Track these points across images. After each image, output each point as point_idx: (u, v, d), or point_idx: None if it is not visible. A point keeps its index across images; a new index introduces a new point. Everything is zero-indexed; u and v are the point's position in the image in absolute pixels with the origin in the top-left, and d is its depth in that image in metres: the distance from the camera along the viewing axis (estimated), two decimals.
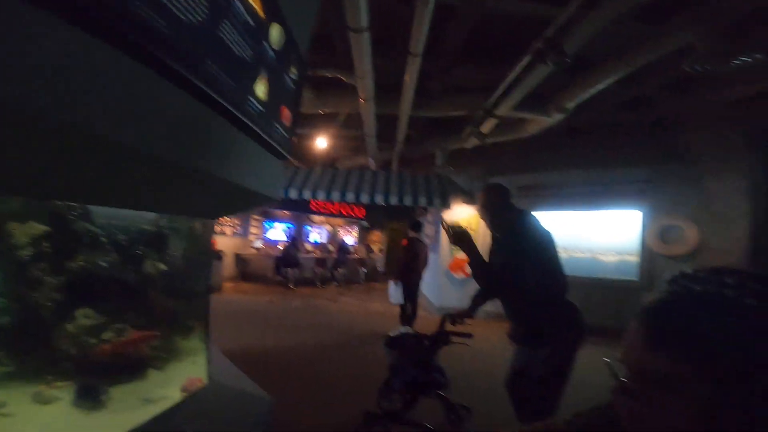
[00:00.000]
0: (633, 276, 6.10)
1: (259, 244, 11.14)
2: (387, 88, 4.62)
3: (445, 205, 7.44)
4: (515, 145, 6.48)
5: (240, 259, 10.60)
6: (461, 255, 7.85)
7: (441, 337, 2.36)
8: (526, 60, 3.39)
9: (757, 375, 0.48)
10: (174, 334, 2.55)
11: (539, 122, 5.23)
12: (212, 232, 2.86)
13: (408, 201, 7.45)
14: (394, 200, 7.47)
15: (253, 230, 11.40)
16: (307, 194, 7.67)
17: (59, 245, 2.13)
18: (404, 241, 5.76)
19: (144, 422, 1.83)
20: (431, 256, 6.90)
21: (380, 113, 4.93)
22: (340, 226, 14.47)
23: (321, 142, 6.99)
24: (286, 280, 10.19)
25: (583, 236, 6.71)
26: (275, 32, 1.65)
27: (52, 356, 2.00)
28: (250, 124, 1.58)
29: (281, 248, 10.76)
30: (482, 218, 2.21)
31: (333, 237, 14.02)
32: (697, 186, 5.37)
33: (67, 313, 2.07)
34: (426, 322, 2.63)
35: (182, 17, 1.07)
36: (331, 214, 13.09)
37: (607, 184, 6.30)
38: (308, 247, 12.24)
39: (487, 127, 5.17)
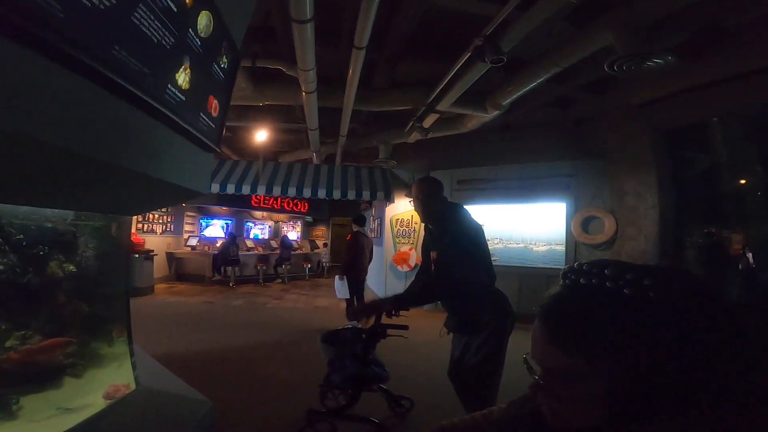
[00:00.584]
0: (561, 264, 6.65)
1: (194, 242, 10.49)
2: (331, 81, 4.55)
3: (389, 199, 7.54)
4: (455, 140, 6.73)
5: (173, 259, 9.90)
6: (404, 248, 8.08)
7: (377, 331, 2.34)
8: (465, 56, 3.51)
9: (640, 358, 0.50)
10: (91, 339, 2.39)
11: (477, 118, 5.46)
12: (129, 229, 2.70)
13: (352, 195, 7.45)
14: (337, 195, 7.42)
15: (187, 227, 10.70)
16: (246, 189, 7.37)
17: None
18: (348, 236, 5.76)
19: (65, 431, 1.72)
20: (376, 250, 6.98)
21: (323, 106, 4.85)
22: (284, 221, 14.08)
23: (261, 135, 6.71)
24: (226, 279, 9.73)
25: (516, 227, 7.16)
26: (203, 20, 1.59)
27: None
28: (169, 114, 1.50)
29: (219, 246, 10.22)
30: (416, 210, 2.27)
31: (276, 233, 13.60)
32: (614, 180, 5.96)
33: None
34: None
35: (85, 2, 1.00)
36: (274, 210, 12.70)
37: (537, 178, 6.76)
38: (249, 243, 11.76)
39: (428, 121, 5.30)
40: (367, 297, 6.07)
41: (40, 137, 1.01)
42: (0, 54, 0.85)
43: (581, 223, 6.29)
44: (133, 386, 2.33)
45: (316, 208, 13.49)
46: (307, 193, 7.39)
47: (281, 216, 13.81)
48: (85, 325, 2.39)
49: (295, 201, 12.76)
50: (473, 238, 2.09)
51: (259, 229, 13.08)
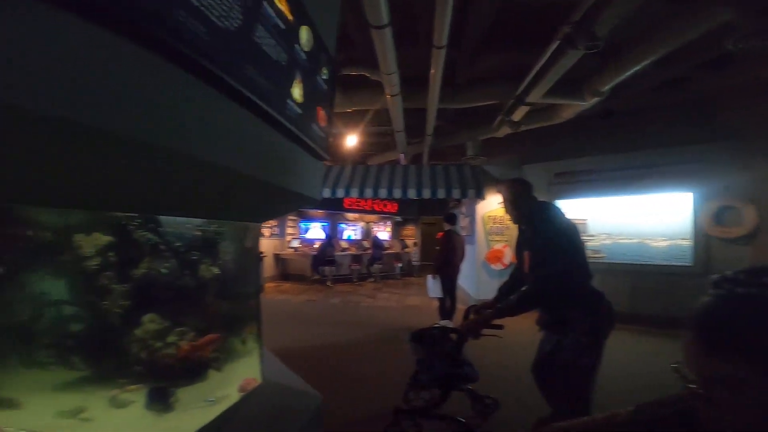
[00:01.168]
0: (687, 261, 5.73)
1: (296, 244, 11.43)
2: (413, 82, 4.57)
3: (479, 195, 7.32)
4: (550, 132, 6.26)
5: (279, 260, 10.93)
6: (498, 245, 7.74)
7: (470, 330, 2.25)
8: (554, 46, 3.25)
9: None
10: (230, 335, 2.64)
11: (574, 107, 5.04)
12: (259, 235, 2.90)
13: (441, 194, 7.39)
14: (427, 194, 7.43)
15: (289, 230, 11.72)
16: (340, 192, 7.78)
17: (123, 254, 2.29)
18: (439, 234, 5.72)
19: (208, 422, 1.92)
20: (468, 248, 6.83)
21: (408, 107, 4.90)
22: (374, 222, 14.57)
23: (351, 140, 7.04)
24: (323, 278, 10.41)
25: (629, 221, 6.36)
26: (304, 34, 1.66)
27: (125, 361, 2.09)
28: (291, 127, 1.60)
29: (317, 247, 10.98)
30: (507, 212, 2.30)
31: (367, 233, 14.15)
32: (751, 165, 4.96)
33: (135, 319, 2.17)
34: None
35: (220, 24, 1.08)
36: (365, 211, 13.21)
37: (651, 166, 5.94)
38: (344, 244, 12.42)
39: (518, 114, 5.02)
40: (460, 296, 5.97)
41: (206, 160, 1.14)
42: (157, 73, 0.95)
43: (713, 215, 5.34)
44: (259, 380, 2.54)
45: (406, 208, 13.69)
46: (397, 193, 7.53)
47: (372, 217, 14.30)
48: (225, 323, 2.65)
49: (384, 202, 13.12)
50: (566, 236, 2.03)
51: (351, 230, 13.72)
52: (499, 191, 2.35)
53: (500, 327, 2.21)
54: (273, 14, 1.37)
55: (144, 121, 0.92)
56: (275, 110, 1.44)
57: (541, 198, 2.29)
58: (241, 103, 1.27)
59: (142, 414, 1.87)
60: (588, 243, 6.13)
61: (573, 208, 6.73)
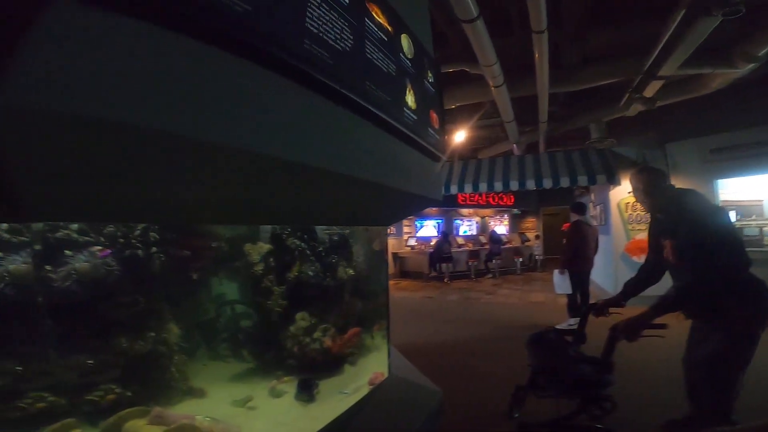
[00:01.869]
0: None
1: (412, 242, 11.79)
2: (517, 69, 4.33)
3: (612, 181, 6.51)
4: (695, 104, 5.22)
5: (397, 258, 11.43)
6: (640, 235, 6.72)
7: (628, 332, 1.96)
8: (679, 15, 2.74)
9: None
10: (362, 331, 2.90)
11: (724, 76, 4.18)
12: (386, 237, 3.11)
13: (565, 182, 6.82)
14: (548, 184, 6.93)
15: (406, 229, 12.15)
16: (453, 189, 7.76)
17: (280, 260, 2.67)
18: (565, 226, 5.28)
19: (341, 413, 2.07)
20: (602, 239, 6.18)
21: (516, 96, 4.64)
22: (490, 216, 14.07)
23: (459, 136, 6.96)
24: (441, 275, 10.51)
25: None
26: (405, 42, 1.71)
27: (282, 354, 2.46)
28: (410, 134, 1.69)
29: (433, 244, 11.13)
30: (638, 201, 2.22)
31: (484, 228, 13.75)
32: None
33: (290, 317, 2.55)
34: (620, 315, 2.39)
35: (338, 47, 1.15)
36: (479, 205, 12.88)
37: None
38: (460, 240, 12.32)
39: (651, 90, 4.33)
40: (593, 292, 5.42)
41: (339, 172, 1.24)
42: (286, 95, 1.02)
43: None
44: (386, 374, 2.69)
45: (523, 199, 12.88)
46: (514, 185, 7.20)
47: (487, 211, 13.84)
48: (359, 320, 2.92)
49: (500, 195, 12.57)
50: (715, 221, 1.92)
51: (467, 226, 13.51)
52: (630, 181, 2.25)
53: (663, 326, 1.97)
54: (375, 28, 1.41)
55: (293, 144, 1.03)
56: (395, 120, 1.53)
57: (695, 178, 2.15)
58: (365, 116, 1.37)
59: (292, 403, 2.11)
60: (766, 228, 4.90)
61: (738, 187, 5.46)
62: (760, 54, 3.53)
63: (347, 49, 1.21)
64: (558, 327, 5.17)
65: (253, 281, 2.54)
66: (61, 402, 1.56)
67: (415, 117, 1.73)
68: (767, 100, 5.07)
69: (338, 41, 1.17)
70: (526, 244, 12.73)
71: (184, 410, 1.83)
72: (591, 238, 5.18)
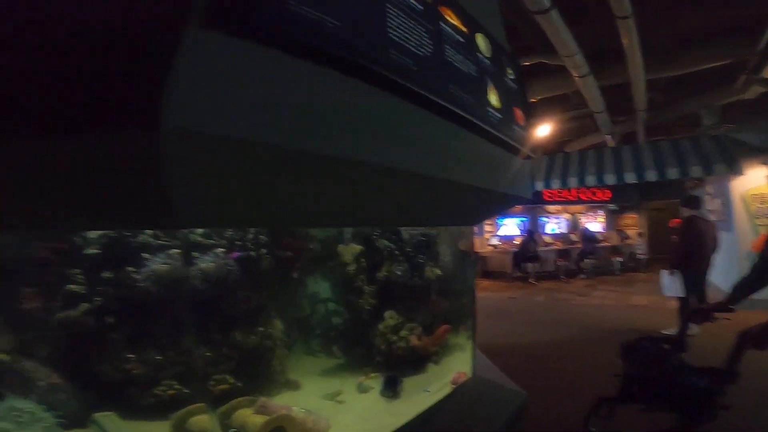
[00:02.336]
0: None
1: (495, 241, 11.46)
2: (603, 57, 4.03)
3: (734, 170, 5.63)
4: None
5: (479, 257, 11.20)
6: None
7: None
8: None
9: None
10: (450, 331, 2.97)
11: None
12: (472, 237, 3.12)
13: (673, 174, 6.06)
14: (652, 176, 6.22)
15: (487, 228, 11.84)
16: (539, 185, 7.41)
17: (371, 260, 2.82)
18: (675, 221, 4.74)
19: (422, 411, 2.11)
20: (723, 237, 5.47)
21: (605, 85, 4.32)
22: (581, 212, 13.02)
23: (543, 130, 6.63)
24: (525, 275, 10.06)
25: None
26: (481, 42, 1.71)
27: (370, 351, 2.60)
28: (495, 132, 1.69)
29: (518, 243, 10.68)
30: None
31: (574, 225, 12.78)
32: None
33: (379, 315, 2.70)
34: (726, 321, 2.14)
35: (419, 53, 1.18)
36: (569, 201, 12.00)
37: None
38: (547, 239, 11.63)
39: None
40: (712, 296, 4.79)
41: (430, 175, 1.29)
42: (380, 104, 1.07)
43: None
44: (469, 374, 2.68)
45: (622, 194, 11.65)
46: (609, 179, 6.64)
47: (578, 207, 12.82)
48: (445, 320, 2.96)
49: (592, 189, 11.56)
50: None
51: (554, 223, 12.68)
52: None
53: None
54: (451, 31, 1.42)
55: (387, 150, 1.09)
56: (479, 119, 1.55)
57: None
58: (451, 119, 1.41)
59: (377, 399, 2.22)
60: None
61: None
62: None
63: (428, 54, 1.24)
64: (664, 332, 4.69)
65: (345, 280, 2.71)
66: (183, 391, 1.74)
67: (499, 115, 1.72)
68: None
69: (419, 47, 1.18)
70: (626, 242, 11.53)
71: (283, 401, 1.98)
72: (708, 235, 4.57)
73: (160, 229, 1.78)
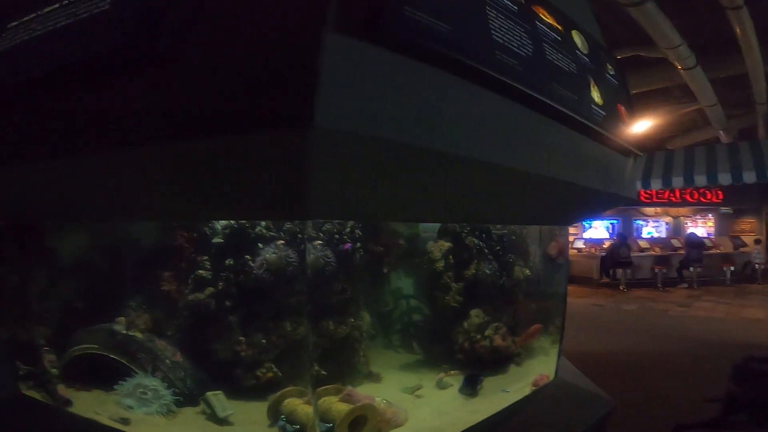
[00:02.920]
0: None
1: (580, 244, 10.82)
2: (713, 47, 3.70)
3: None
4: None
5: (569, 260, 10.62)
6: None
7: None
8: None
9: None
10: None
11: None
12: (567, 237, 2.97)
13: None
14: None
15: (571, 230, 11.21)
16: (637, 185, 6.85)
17: (459, 257, 2.76)
18: None
19: (500, 410, 2.08)
20: None
21: (716, 77, 3.96)
22: (686, 215, 11.68)
23: (640, 126, 6.15)
24: (615, 282, 9.37)
25: None
26: (577, 39, 1.72)
27: (452, 348, 2.57)
28: (599, 130, 1.70)
29: (606, 247, 9.98)
30: None
31: (676, 230, 11.52)
32: None
33: (465, 313, 2.65)
34: None
35: (521, 53, 1.22)
36: (671, 203, 10.86)
37: None
38: (643, 243, 10.65)
39: None
40: None
41: (534, 172, 1.31)
42: (491, 105, 1.11)
43: None
44: (552, 377, 2.60)
45: (737, 195, 10.22)
46: (724, 179, 5.97)
47: (682, 210, 11.52)
48: (532, 321, 2.84)
49: (701, 190, 10.32)
50: None
51: (653, 227, 11.56)
52: None
53: None
54: (547, 29, 1.44)
55: (495, 149, 1.14)
56: (584, 117, 1.56)
57: None
58: (556, 117, 1.44)
59: (455, 396, 2.20)
60: None
61: None
62: None
63: (529, 53, 1.28)
64: None
65: (433, 277, 2.74)
66: (278, 374, 1.84)
67: (603, 112, 1.72)
68: None
69: (520, 47, 1.25)
70: (741, 249, 10.10)
71: (365, 392, 1.99)
72: None
73: (290, 219, 1.90)
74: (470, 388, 2.22)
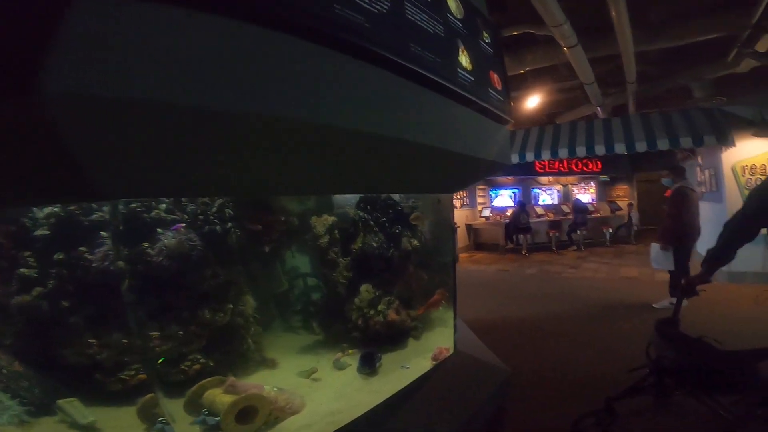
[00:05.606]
0: None
1: (487, 213, 11.47)
2: (594, 28, 3.89)
3: (725, 142, 5.64)
4: None
5: (471, 230, 11.25)
6: None
7: None
8: None
9: None
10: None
11: None
12: (451, 205, 2.95)
13: (663, 145, 6.11)
14: (642, 147, 6.27)
15: (480, 200, 11.83)
16: (529, 156, 7.36)
17: (344, 231, 2.70)
18: (668, 192, 4.66)
19: (402, 387, 2.07)
20: (713, 208, 5.86)
21: (595, 56, 4.19)
22: (573, 183, 13.02)
23: (532, 101, 6.49)
24: (518, 247, 10.14)
25: None
26: (452, 3, 1.67)
27: (346, 327, 2.53)
28: (467, 95, 1.66)
29: (509, 215, 10.71)
30: None
31: (566, 197, 12.81)
32: None
33: (356, 288, 2.61)
34: (714, 293, 2.15)
35: (373, 9, 1.14)
36: (560, 173, 11.99)
37: None
38: (539, 210, 11.67)
39: (765, 44, 3.63)
40: (694, 266, 4.82)
41: (378, 132, 1.23)
42: (328, 63, 1.04)
43: None
44: (451, 350, 2.62)
45: (613, 165, 11.64)
46: (600, 150, 6.62)
47: (570, 179, 12.81)
48: (424, 292, 2.87)
49: (584, 161, 11.53)
50: None
51: (547, 195, 12.70)
52: None
53: None
54: None
55: (336, 110, 1.06)
56: (448, 81, 1.50)
57: None
58: (415, 79, 1.36)
59: (354, 376, 2.19)
60: None
61: None
62: None
63: (384, 11, 1.19)
64: (654, 306, 4.76)
65: (319, 254, 2.61)
66: (152, 374, 1.69)
67: (471, 78, 1.68)
68: None
69: (373, 4, 1.14)
70: (617, 213, 11.61)
71: (258, 380, 1.96)
72: (697, 206, 4.56)
73: (80, 201, 1.66)
74: (368, 367, 2.16)
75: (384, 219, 2.83)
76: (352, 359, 2.27)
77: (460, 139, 1.71)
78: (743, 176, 5.85)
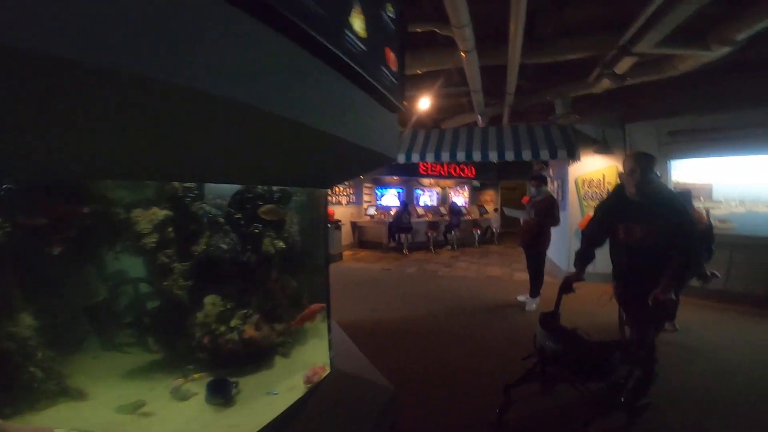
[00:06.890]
0: None
1: (372, 211, 11.52)
2: (490, 38, 4.01)
3: (573, 157, 6.53)
4: (659, 86, 5.29)
5: (356, 227, 11.17)
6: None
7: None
8: None
9: None
10: (298, 314, 2.43)
11: (695, 58, 4.17)
12: (326, 202, 2.62)
13: (527, 156, 6.79)
14: (510, 156, 6.88)
15: (365, 198, 11.83)
16: (415, 157, 7.50)
17: (182, 230, 2.14)
18: (525, 199, 5.12)
19: (270, 421, 1.69)
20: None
21: (485, 65, 4.34)
22: (451, 187, 14.06)
23: (423, 103, 6.60)
24: (400, 246, 10.41)
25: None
26: None
27: (188, 347, 2.01)
28: (352, 64, 1.34)
29: (393, 214, 10.93)
30: (627, 185, 2.32)
31: (444, 199, 13.74)
32: None
33: (199, 301, 2.09)
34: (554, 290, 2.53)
35: None
36: (441, 176, 12.78)
37: None
38: (420, 210, 12.22)
39: (623, 66, 4.22)
40: (547, 269, 5.45)
41: (258, 106, 0.95)
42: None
43: None
44: (328, 369, 2.32)
45: (485, 172, 12.95)
46: (476, 156, 7.08)
47: (448, 182, 13.80)
48: (292, 301, 2.51)
49: (461, 166, 12.51)
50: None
51: (428, 196, 13.43)
52: (625, 163, 2.36)
53: None
54: None
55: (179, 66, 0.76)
56: (328, 39, 1.18)
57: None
58: (290, 35, 1.04)
59: (203, 408, 1.73)
60: (713, 211, 5.09)
61: (689, 169, 5.69)
62: (738, 38, 3.48)
63: None
64: (519, 298, 5.25)
65: (146, 256, 2.05)
66: None
67: (363, 47, 1.40)
68: (729, 87, 5.15)
69: None
70: (485, 216, 12.89)
71: (52, 418, 1.48)
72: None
73: None
74: (219, 395, 1.71)
75: (239, 216, 2.35)
76: (199, 386, 1.79)
77: (340, 120, 1.39)
78: (583, 188, 6.90)
